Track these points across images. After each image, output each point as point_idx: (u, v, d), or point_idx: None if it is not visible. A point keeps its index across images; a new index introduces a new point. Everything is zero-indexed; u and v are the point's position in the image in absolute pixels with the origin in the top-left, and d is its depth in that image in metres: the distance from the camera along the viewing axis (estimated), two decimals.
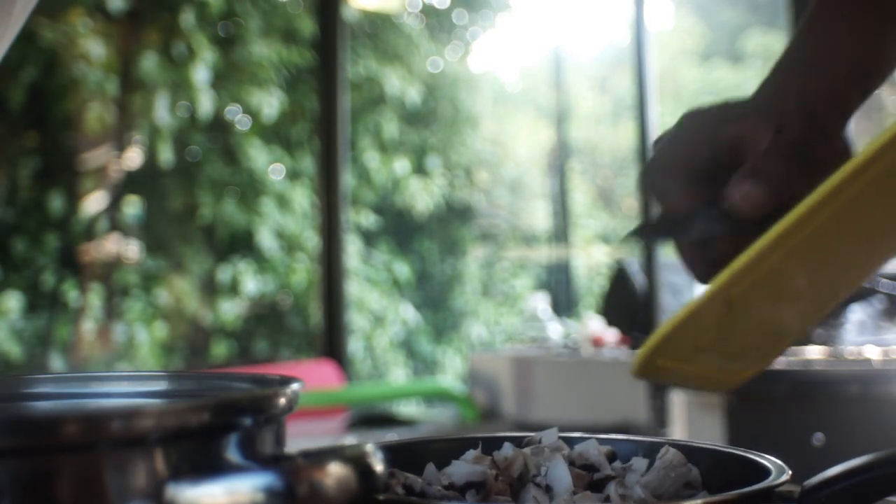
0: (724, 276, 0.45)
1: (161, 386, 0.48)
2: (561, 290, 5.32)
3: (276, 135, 4.89)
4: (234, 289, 4.70)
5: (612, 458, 0.53)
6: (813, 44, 0.64)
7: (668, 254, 2.66)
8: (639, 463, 0.52)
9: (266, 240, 4.69)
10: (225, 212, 4.70)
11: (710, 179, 0.57)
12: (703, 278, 0.56)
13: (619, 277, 2.89)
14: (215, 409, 0.34)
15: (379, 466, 0.34)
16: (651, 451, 0.56)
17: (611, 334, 2.72)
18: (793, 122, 0.57)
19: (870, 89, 0.63)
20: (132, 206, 4.68)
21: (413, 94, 5.17)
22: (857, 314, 2.03)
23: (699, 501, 0.47)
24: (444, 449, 0.56)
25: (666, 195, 0.59)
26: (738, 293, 0.46)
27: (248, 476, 0.33)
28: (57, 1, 4.27)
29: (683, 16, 6.30)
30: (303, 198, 4.84)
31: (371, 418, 2.96)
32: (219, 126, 4.77)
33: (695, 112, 0.62)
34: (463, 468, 0.50)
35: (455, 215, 5.56)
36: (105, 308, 4.60)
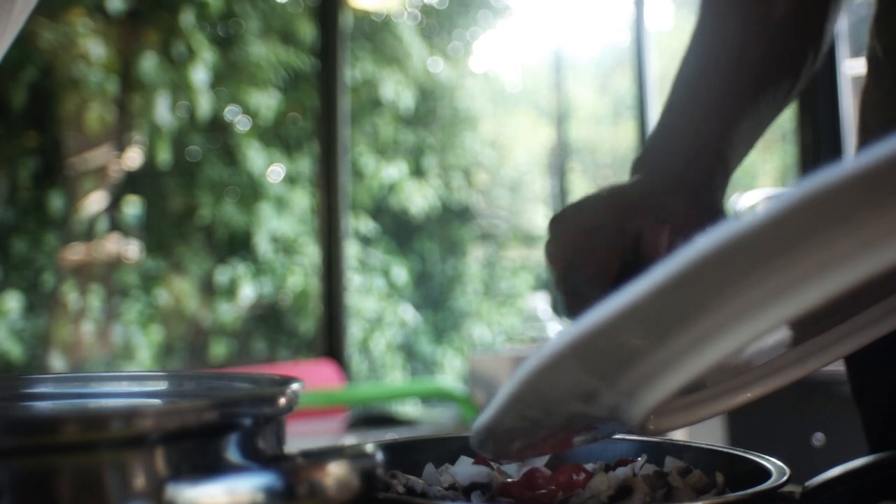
0: None
1: (161, 386, 0.48)
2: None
3: (275, 136, 4.89)
4: (232, 291, 4.70)
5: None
6: (678, 121, 0.68)
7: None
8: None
9: (263, 243, 4.69)
10: (224, 213, 4.70)
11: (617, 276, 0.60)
12: None
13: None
14: (215, 409, 0.34)
15: (379, 466, 0.34)
16: (651, 452, 0.55)
17: None
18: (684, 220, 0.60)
19: (742, 156, 0.67)
20: (132, 206, 4.68)
21: (410, 97, 5.17)
22: None
23: (701, 503, 0.47)
24: (443, 449, 0.56)
25: (577, 295, 0.61)
26: None
27: (248, 476, 0.33)
28: (57, 1, 4.26)
29: (683, 16, 6.30)
30: (301, 199, 4.84)
31: (371, 418, 2.96)
32: (218, 127, 4.77)
33: (588, 203, 0.64)
34: (467, 469, 0.50)
35: (455, 216, 5.56)
36: (105, 308, 4.60)
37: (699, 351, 0.39)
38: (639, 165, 0.67)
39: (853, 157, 0.32)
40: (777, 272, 0.36)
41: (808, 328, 0.50)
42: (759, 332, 0.37)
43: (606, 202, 0.63)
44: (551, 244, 0.64)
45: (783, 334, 0.49)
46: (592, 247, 0.62)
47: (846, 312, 0.49)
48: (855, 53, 2.43)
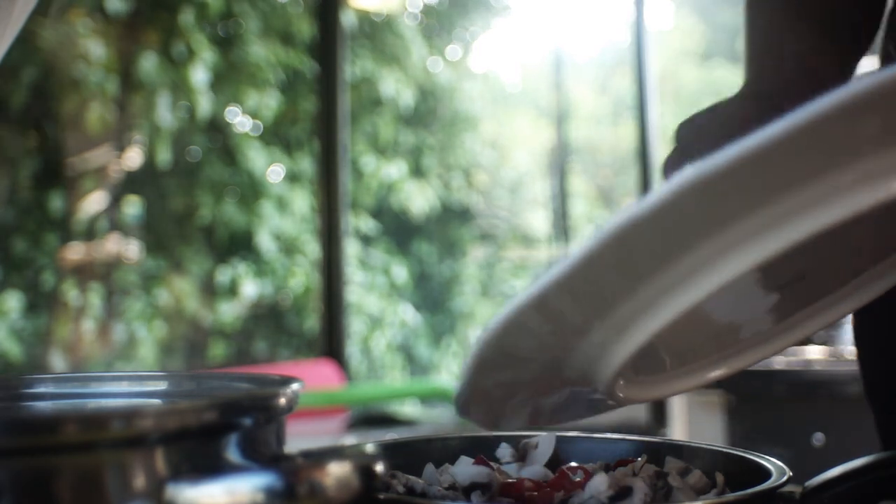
0: None
1: (161, 386, 0.48)
2: None
3: (275, 136, 4.89)
4: (233, 290, 4.70)
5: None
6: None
7: None
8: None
9: (265, 241, 4.69)
10: (224, 213, 4.70)
11: None
12: None
13: None
14: (215, 409, 0.34)
15: (379, 466, 0.34)
16: (651, 452, 0.55)
17: None
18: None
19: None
20: (132, 206, 4.68)
21: (410, 97, 5.17)
22: None
23: (701, 503, 0.47)
24: (443, 449, 0.56)
25: None
26: None
27: (248, 476, 0.33)
28: (57, 1, 4.26)
29: (683, 16, 6.29)
30: (302, 199, 4.84)
31: (371, 418, 2.96)
32: (218, 127, 4.77)
33: (690, 123, 0.62)
34: (467, 469, 0.50)
35: (454, 216, 5.56)
36: (105, 308, 4.60)
37: (672, 297, 0.39)
38: (741, 93, 0.64)
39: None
40: (750, 212, 0.36)
41: (776, 304, 0.50)
42: (730, 276, 0.37)
43: (732, 106, 0.61)
44: (674, 154, 0.61)
45: (750, 313, 0.49)
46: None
47: (818, 284, 0.49)
48: None
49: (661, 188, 0.34)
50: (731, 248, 0.37)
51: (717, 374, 0.50)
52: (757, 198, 0.36)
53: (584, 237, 0.37)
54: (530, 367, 0.45)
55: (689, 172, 0.34)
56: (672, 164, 0.61)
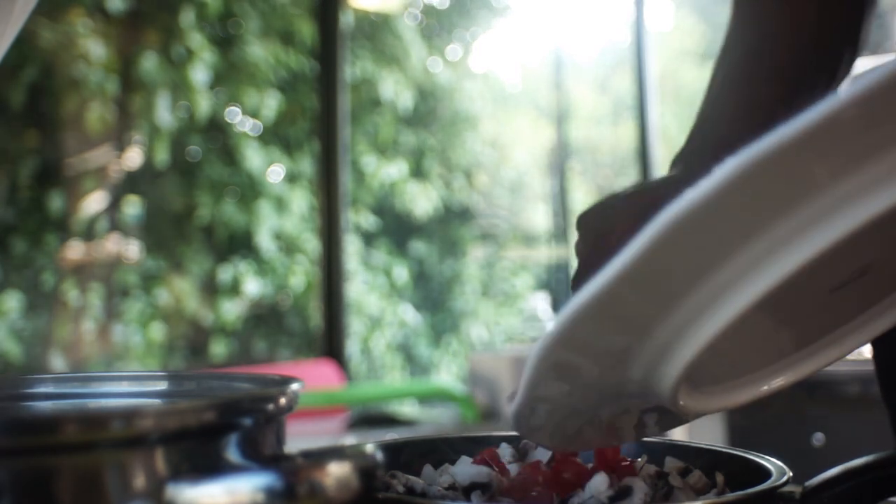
0: None
1: (161, 386, 0.48)
2: (561, 290, 5.32)
3: (275, 136, 4.89)
4: (234, 289, 4.70)
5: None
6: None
7: None
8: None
9: (265, 241, 4.69)
10: (224, 213, 4.70)
11: None
12: None
13: None
14: (215, 409, 0.34)
15: (379, 466, 0.34)
16: (651, 452, 0.55)
17: None
18: None
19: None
20: (132, 206, 4.68)
21: (409, 98, 5.17)
22: None
23: (701, 503, 0.47)
24: (443, 449, 0.56)
25: None
26: None
27: (248, 476, 0.33)
28: (57, 1, 4.26)
29: (683, 16, 6.29)
30: (302, 199, 4.84)
31: (371, 418, 2.96)
32: (218, 127, 4.77)
33: (613, 200, 0.62)
34: (467, 469, 0.50)
35: (454, 216, 5.56)
36: (105, 308, 4.60)
37: (735, 292, 0.37)
38: (675, 163, 0.66)
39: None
40: (813, 199, 0.35)
41: (834, 308, 0.48)
42: (790, 271, 0.36)
43: (631, 199, 0.61)
44: (578, 242, 0.63)
45: (810, 316, 0.47)
46: (613, 246, 0.60)
47: (882, 281, 0.47)
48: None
49: (715, 175, 0.33)
50: (787, 241, 0.35)
51: (781, 381, 0.48)
52: (818, 180, 0.34)
53: (643, 230, 0.35)
54: (589, 379, 0.43)
55: (744, 156, 0.32)
56: (577, 250, 0.61)
